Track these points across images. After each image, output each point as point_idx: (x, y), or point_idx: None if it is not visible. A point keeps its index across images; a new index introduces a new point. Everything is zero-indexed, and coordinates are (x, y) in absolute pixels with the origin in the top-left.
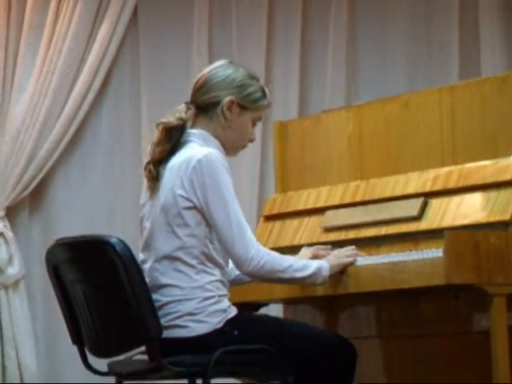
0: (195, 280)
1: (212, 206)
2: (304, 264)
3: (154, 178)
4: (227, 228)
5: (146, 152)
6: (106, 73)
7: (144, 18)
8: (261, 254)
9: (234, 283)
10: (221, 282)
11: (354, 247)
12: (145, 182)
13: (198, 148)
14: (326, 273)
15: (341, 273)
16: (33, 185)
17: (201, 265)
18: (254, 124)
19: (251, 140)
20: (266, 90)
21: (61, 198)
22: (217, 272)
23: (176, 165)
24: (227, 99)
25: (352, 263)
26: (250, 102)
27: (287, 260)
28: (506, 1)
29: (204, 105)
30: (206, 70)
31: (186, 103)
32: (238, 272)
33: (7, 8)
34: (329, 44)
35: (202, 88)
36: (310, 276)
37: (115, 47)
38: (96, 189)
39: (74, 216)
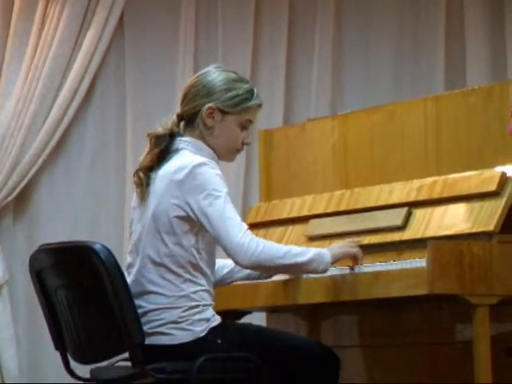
0: (181, 289)
1: (205, 204)
2: (302, 249)
3: (144, 184)
4: (221, 224)
5: (131, 159)
6: (92, 79)
7: (130, 24)
8: (256, 243)
9: (219, 283)
10: (207, 291)
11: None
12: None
13: (192, 156)
14: (327, 259)
15: (351, 268)
16: (17, 190)
17: (187, 274)
18: (243, 127)
19: (245, 143)
20: (255, 92)
21: (45, 203)
22: (203, 282)
23: (169, 172)
24: (206, 107)
25: (355, 254)
26: (231, 106)
27: (284, 246)
28: (491, 13)
29: (187, 115)
30: (190, 79)
31: (175, 114)
32: (224, 272)
33: None
34: (314, 54)
35: (184, 99)
36: (310, 261)
37: (101, 54)
38: (80, 195)
39: (58, 222)
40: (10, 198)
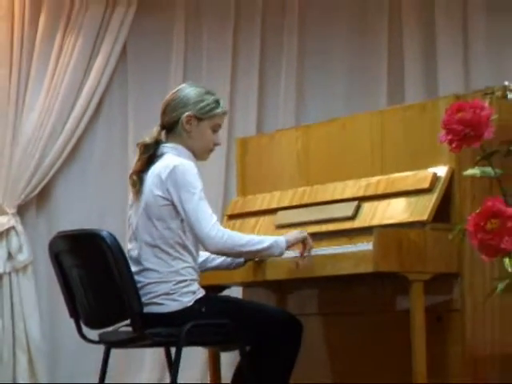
0: (171, 266)
1: (182, 199)
2: (260, 239)
3: (137, 185)
4: (195, 216)
5: (132, 162)
6: (100, 97)
7: (132, 52)
8: (222, 233)
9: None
10: (193, 268)
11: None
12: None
13: (174, 158)
14: (282, 245)
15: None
16: (39, 187)
17: (176, 253)
18: (214, 131)
19: (216, 144)
20: (221, 102)
21: (62, 198)
22: (189, 259)
23: (155, 171)
24: (185, 115)
25: (305, 238)
26: (204, 113)
27: (246, 236)
28: (425, 40)
29: (169, 124)
30: (167, 96)
31: (158, 125)
32: (200, 259)
33: (20, 41)
34: (281, 75)
35: (165, 111)
36: (267, 248)
37: (108, 76)
38: (91, 192)
39: (73, 213)
40: (33, 194)
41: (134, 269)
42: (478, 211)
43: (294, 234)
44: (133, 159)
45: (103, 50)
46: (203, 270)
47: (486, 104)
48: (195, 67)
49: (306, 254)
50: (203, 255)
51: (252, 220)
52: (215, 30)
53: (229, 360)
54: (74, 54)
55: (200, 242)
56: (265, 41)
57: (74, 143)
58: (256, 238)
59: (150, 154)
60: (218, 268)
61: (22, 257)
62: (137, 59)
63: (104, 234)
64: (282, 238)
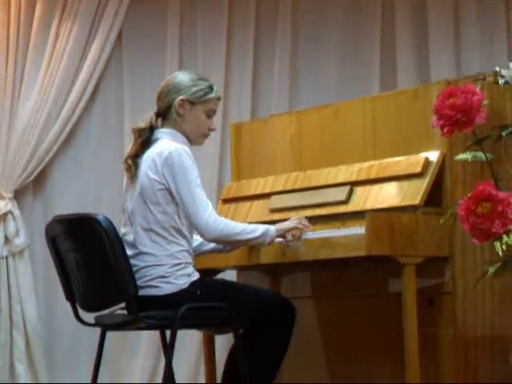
0: (167, 249)
1: (179, 186)
2: (253, 228)
3: (132, 169)
4: (191, 203)
5: (128, 147)
6: (96, 84)
7: (127, 39)
8: (219, 222)
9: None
10: (187, 251)
11: (301, 218)
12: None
13: (169, 142)
14: (272, 233)
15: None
16: (35, 173)
17: (171, 236)
18: (208, 116)
19: (211, 129)
20: (215, 87)
21: (58, 183)
22: (184, 243)
23: (151, 156)
24: (178, 99)
25: (295, 227)
26: (198, 98)
27: (240, 225)
28: (417, 27)
29: (163, 110)
30: (163, 82)
31: (153, 111)
32: (195, 244)
33: (16, 31)
34: (275, 61)
35: (159, 98)
36: (259, 237)
37: (103, 63)
38: (87, 176)
39: (69, 198)
40: (30, 179)
41: (129, 252)
42: (469, 195)
43: (286, 223)
44: (128, 145)
45: (99, 36)
46: (198, 253)
47: (478, 89)
48: (190, 53)
49: (291, 243)
50: (197, 239)
51: (246, 204)
52: (210, 16)
53: (224, 343)
54: (69, 41)
55: (197, 229)
56: (259, 27)
57: (69, 129)
58: (249, 226)
59: (144, 139)
60: (212, 251)
61: (19, 241)
62: (132, 45)
63: (99, 217)
64: (272, 228)
